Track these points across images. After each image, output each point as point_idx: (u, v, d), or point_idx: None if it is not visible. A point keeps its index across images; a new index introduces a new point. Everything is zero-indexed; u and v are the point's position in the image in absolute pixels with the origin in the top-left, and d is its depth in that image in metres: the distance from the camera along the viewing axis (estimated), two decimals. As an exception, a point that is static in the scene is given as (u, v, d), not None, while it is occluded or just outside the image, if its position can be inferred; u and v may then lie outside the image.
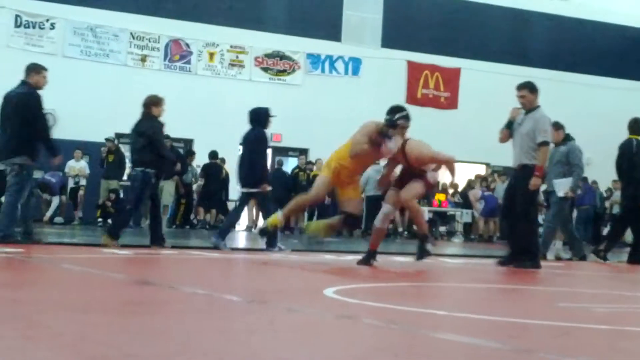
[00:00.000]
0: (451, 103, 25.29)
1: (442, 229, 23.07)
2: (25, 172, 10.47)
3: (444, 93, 25.33)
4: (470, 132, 24.50)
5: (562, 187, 12.33)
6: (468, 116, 24.91)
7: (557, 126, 12.25)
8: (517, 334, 4.72)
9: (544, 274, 9.95)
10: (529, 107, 10.32)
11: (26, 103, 10.38)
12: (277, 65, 23.79)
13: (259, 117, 12.00)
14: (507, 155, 26.08)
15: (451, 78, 25.41)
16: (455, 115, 24.99)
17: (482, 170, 24.61)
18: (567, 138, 12.62)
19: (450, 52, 25.34)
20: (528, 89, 10.40)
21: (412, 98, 24.84)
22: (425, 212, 22.88)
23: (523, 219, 10.17)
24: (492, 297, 7.25)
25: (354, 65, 24.24)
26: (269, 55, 23.69)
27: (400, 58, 24.81)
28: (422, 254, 9.77)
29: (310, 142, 22.99)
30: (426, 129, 23.45)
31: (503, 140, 10.53)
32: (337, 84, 24.00)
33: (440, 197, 23.79)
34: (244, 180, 12.04)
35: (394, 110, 9.37)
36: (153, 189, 11.33)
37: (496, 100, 25.13)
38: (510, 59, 25.98)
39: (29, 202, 10.77)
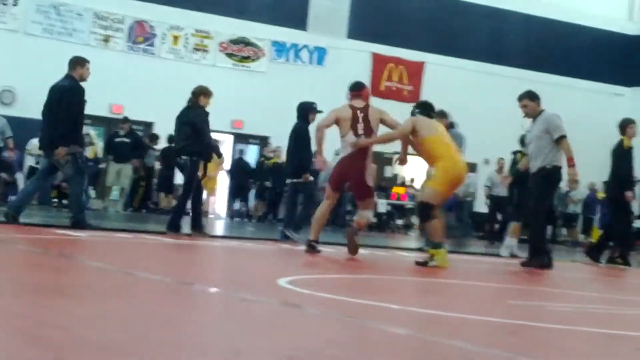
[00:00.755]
0: (414, 96, 25.31)
1: (399, 222, 23.19)
2: (80, 160, 10.89)
3: (407, 86, 25.42)
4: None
5: None
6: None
7: (442, 114, 12.26)
8: (466, 330, 4.77)
9: (498, 271, 10.06)
10: (534, 114, 10.49)
11: (70, 95, 10.65)
12: (241, 51, 23.70)
13: (303, 111, 12.55)
14: (467, 151, 26.24)
15: (415, 72, 25.50)
16: (417, 109, 25.07)
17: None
18: (451, 125, 12.52)
19: (415, 46, 25.42)
20: (527, 97, 10.57)
21: (375, 90, 24.84)
22: (384, 205, 23.02)
23: (535, 219, 10.43)
24: (444, 293, 7.31)
25: (319, 54, 24.24)
26: (234, 41, 23.60)
27: (366, 50, 24.85)
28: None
29: (271, 130, 22.95)
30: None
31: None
32: (301, 72, 23.98)
33: (399, 190, 23.94)
34: (291, 172, 12.56)
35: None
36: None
37: (459, 95, 25.33)
38: (478, 55, 26.11)
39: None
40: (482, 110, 25.20)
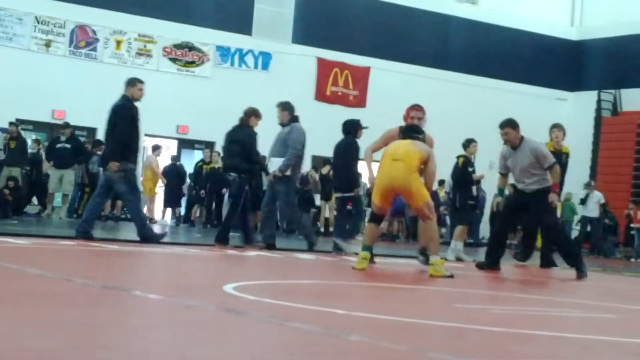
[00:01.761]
0: (360, 101, 25.43)
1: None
2: (131, 176, 11.45)
3: (352, 91, 25.46)
4: (378, 131, 24.57)
5: (273, 165, 12.37)
6: (376, 115, 25.02)
7: (284, 106, 12.51)
8: (412, 334, 4.76)
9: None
10: (516, 143, 10.78)
11: (120, 113, 11.33)
12: (185, 56, 23.53)
13: (351, 128, 12.97)
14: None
15: (361, 76, 25.54)
16: (363, 114, 25.00)
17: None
18: (293, 120, 12.55)
19: (360, 51, 25.47)
20: (510, 126, 10.88)
21: (321, 95, 24.92)
22: (331, 211, 22.99)
23: (555, 231, 11.08)
24: (391, 297, 7.30)
25: (264, 59, 24.16)
26: (177, 46, 23.42)
27: (311, 54, 24.83)
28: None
29: (217, 135, 22.76)
30: (334, 127, 23.57)
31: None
32: (246, 77, 23.88)
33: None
34: (339, 186, 13.03)
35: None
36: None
37: (405, 100, 25.38)
38: (424, 61, 26.24)
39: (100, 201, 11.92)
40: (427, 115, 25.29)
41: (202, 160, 22.24)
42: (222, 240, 12.11)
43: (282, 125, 12.56)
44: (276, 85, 23.56)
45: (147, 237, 11.32)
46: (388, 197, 9.45)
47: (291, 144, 12.29)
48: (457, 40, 27.00)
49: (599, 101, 28.18)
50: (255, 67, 24.16)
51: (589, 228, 24.64)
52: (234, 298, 5.71)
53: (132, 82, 11.60)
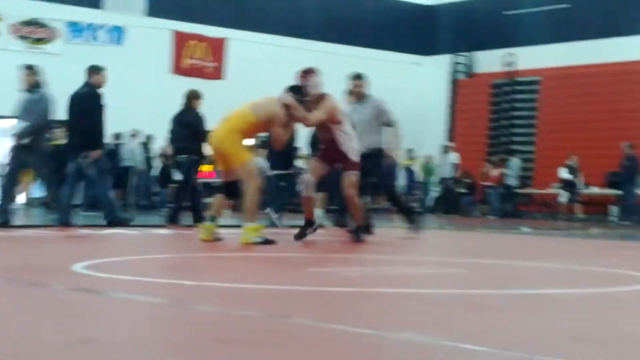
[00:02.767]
0: (218, 73, 25.24)
1: (210, 199, 23.08)
2: (102, 161, 11.63)
3: (210, 63, 25.23)
4: (237, 102, 24.42)
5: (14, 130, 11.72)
6: (235, 86, 24.94)
7: (31, 71, 11.98)
8: (263, 300, 4.80)
9: (304, 242, 10.19)
10: (362, 96, 10.86)
11: (87, 100, 11.49)
12: (34, 33, 22.78)
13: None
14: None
15: (218, 48, 25.34)
16: (221, 86, 24.95)
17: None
18: (37, 85, 11.99)
19: (216, 22, 25.25)
20: (362, 79, 10.99)
21: (177, 68, 24.59)
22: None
23: (391, 192, 11.49)
24: (246, 266, 7.34)
25: (117, 34, 23.62)
26: (26, 23, 22.64)
27: (166, 27, 24.42)
28: (356, 237, 9.75)
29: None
30: (192, 100, 23.42)
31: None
32: (99, 53, 23.21)
33: (207, 167, 23.75)
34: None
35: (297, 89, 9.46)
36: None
37: (264, 70, 25.38)
38: (282, 30, 26.20)
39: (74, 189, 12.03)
40: (285, 84, 25.33)
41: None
42: (174, 220, 12.46)
43: (29, 90, 11.88)
44: (131, 60, 23.14)
45: (115, 220, 11.57)
46: (220, 161, 9.24)
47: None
48: (312, 8, 27.06)
49: (453, 64, 28.82)
50: (109, 42, 23.64)
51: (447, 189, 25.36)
52: (84, 277, 5.63)
53: (97, 70, 11.74)
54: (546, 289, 5.66)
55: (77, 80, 22.04)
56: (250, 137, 9.69)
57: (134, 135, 21.54)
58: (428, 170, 25.69)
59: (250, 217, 8.93)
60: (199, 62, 24.96)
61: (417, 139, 26.06)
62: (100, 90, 11.69)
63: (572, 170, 22.53)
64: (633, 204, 20.76)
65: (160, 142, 22.02)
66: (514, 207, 24.22)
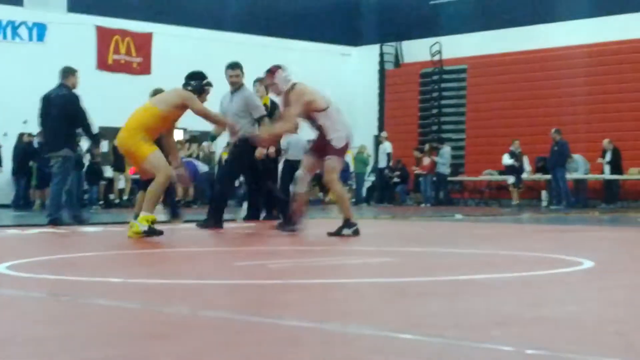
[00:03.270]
0: (144, 68, 24.95)
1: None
2: (68, 163, 11.74)
3: (136, 58, 24.92)
4: (165, 97, 24.33)
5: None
6: (161, 82, 24.53)
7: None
8: (187, 294, 4.74)
9: (228, 236, 10.12)
10: (238, 86, 10.90)
11: (68, 103, 11.64)
12: (-48, 31, 22.29)
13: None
14: (200, 120, 26.02)
15: (143, 43, 25.04)
16: (148, 81, 24.63)
17: (179, 135, 24.56)
18: None
19: (140, 17, 24.94)
20: (241, 68, 11.09)
21: (103, 64, 24.26)
22: (123, 180, 22.60)
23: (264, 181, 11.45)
24: (171, 261, 7.25)
25: (39, 30, 23.17)
26: (-57, 21, 22.15)
27: (89, 23, 24.05)
28: (338, 232, 9.24)
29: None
30: (119, 96, 23.09)
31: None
32: (20, 50, 22.86)
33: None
34: None
35: (197, 76, 9.53)
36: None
37: (190, 65, 25.06)
38: (206, 23, 26.00)
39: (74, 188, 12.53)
40: (212, 77, 25.13)
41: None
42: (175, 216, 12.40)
43: None
44: (54, 57, 22.63)
45: (56, 219, 11.56)
46: (129, 160, 9.35)
47: None
48: (237, 0, 26.92)
49: (381, 54, 28.93)
50: (30, 39, 23.14)
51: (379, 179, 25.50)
52: (5, 277, 5.50)
53: (71, 72, 11.95)
54: (473, 275, 5.69)
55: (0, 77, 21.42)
56: (157, 131, 9.30)
57: None
58: (361, 160, 25.77)
59: (148, 207, 8.87)
60: (125, 57, 24.64)
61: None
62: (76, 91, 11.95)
63: (514, 155, 22.56)
64: (565, 189, 21.06)
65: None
66: (446, 195, 24.44)
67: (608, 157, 21.67)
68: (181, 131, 24.66)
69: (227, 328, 3.60)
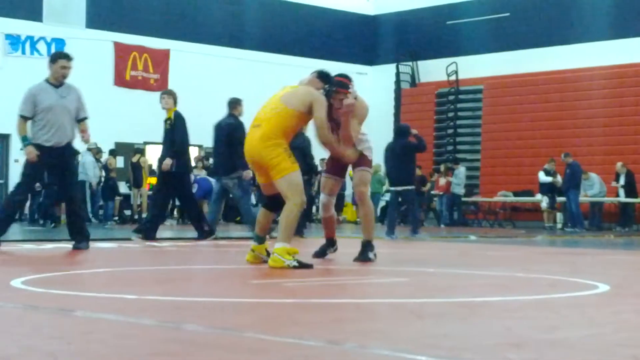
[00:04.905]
0: (161, 85, 25.02)
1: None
2: (245, 182, 12.87)
3: (153, 75, 25.05)
4: (185, 113, 24.43)
5: None
6: (178, 98, 24.80)
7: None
8: (203, 312, 4.74)
9: (242, 253, 10.13)
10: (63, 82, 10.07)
11: (233, 130, 12.56)
12: (-28, 46, 22.44)
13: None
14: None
15: (161, 60, 25.18)
16: (165, 97, 24.82)
17: (194, 152, 24.63)
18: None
19: (158, 34, 25.08)
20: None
21: (120, 80, 24.38)
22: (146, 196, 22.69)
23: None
24: (189, 278, 7.26)
25: (57, 46, 23.26)
26: (-37, 36, 22.32)
27: (107, 39, 24.19)
28: (364, 258, 8.54)
29: (12, 127, 21.88)
30: (136, 111, 23.25)
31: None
32: (39, 66, 22.88)
33: (152, 180, 23.59)
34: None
35: (328, 77, 8.20)
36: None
37: (207, 81, 25.30)
38: (223, 41, 26.11)
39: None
40: (229, 95, 25.22)
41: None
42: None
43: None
44: (73, 72, 22.83)
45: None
46: (259, 172, 7.91)
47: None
48: (253, 19, 27.02)
49: (397, 73, 28.95)
50: (49, 54, 23.29)
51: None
52: (21, 292, 5.52)
53: (237, 102, 13.02)
54: (489, 297, 5.68)
55: (18, 92, 21.62)
56: (294, 134, 8.08)
57: (89, 149, 20.82)
58: (377, 180, 25.73)
59: (285, 237, 7.58)
60: (142, 73, 24.76)
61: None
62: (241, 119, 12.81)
63: (549, 174, 21.93)
64: (577, 213, 20.95)
65: (105, 155, 21.82)
66: (460, 216, 24.36)
67: (622, 180, 21.59)
68: (196, 148, 24.78)
69: (240, 347, 3.60)
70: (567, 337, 3.95)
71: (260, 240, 7.96)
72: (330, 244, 8.93)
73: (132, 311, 4.76)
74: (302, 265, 7.45)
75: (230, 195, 13.37)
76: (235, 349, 3.54)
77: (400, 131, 15.54)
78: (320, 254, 8.83)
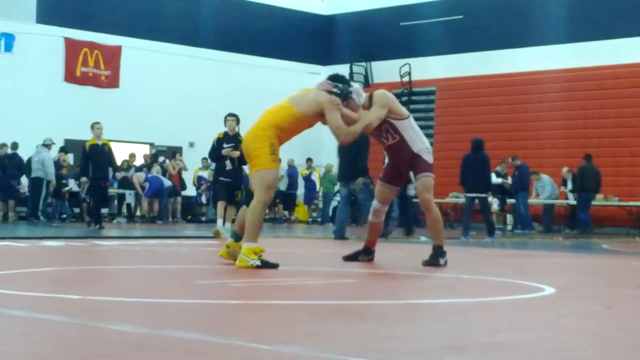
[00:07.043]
0: (112, 82, 24.83)
1: (105, 210, 22.68)
2: (370, 187, 13.68)
3: (104, 71, 24.78)
4: (132, 111, 24.29)
5: None
6: (130, 95, 24.63)
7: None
8: (145, 313, 4.70)
9: (192, 253, 10.06)
10: None
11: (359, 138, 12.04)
12: None
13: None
14: (170, 134, 25.98)
15: (112, 56, 24.92)
16: (116, 94, 24.60)
17: (145, 150, 24.44)
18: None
19: (111, 30, 24.83)
20: None
21: (70, 76, 24.09)
22: (132, 196, 22.48)
23: None
24: (136, 278, 7.19)
25: (7, 41, 22.95)
26: None
27: (57, 34, 23.89)
28: (434, 262, 8.38)
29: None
30: (87, 108, 22.96)
31: None
32: (-12, 60, 22.69)
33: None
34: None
35: (343, 79, 7.98)
36: None
37: (159, 79, 25.11)
38: (177, 39, 25.94)
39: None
40: (181, 93, 25.14)
41: None
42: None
43: None
44: (22, 68, 22.63)
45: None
46: (249, 163, 7.79)
47: None
48: (208, 16, 26.87)
49: (351, 74, 28.95)
50: (-1, 49, 22.99)
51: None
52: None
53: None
54: (433, 299, 5.69)
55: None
56: (290, 135, 7.87)
57: (46, 145, 20.46)
58: (329, 179, 25.74)
59: (250, 237, 7.52)
60: (93, 70, 24.50)
61: (315, 149, 26.16)
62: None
63: (500, 175, 21.91)
64: (526, 215, 21.12)
65: (55, 151, 21.51)
66: (413, 216, 24.37)
67: (569, 185, 21.84)
68: (147, 146, 24.58)
69: (180, 349, 3.57)
70: (509, 340, 3.96)
71: (237, 237, 7.85)
72: (367, 251, 8.70)
73: (73, 311, 4.70)
74: (266, 265, 7.40)
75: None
76: (174, 351, 3.50)
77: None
78: (352, 258, 8.63)
